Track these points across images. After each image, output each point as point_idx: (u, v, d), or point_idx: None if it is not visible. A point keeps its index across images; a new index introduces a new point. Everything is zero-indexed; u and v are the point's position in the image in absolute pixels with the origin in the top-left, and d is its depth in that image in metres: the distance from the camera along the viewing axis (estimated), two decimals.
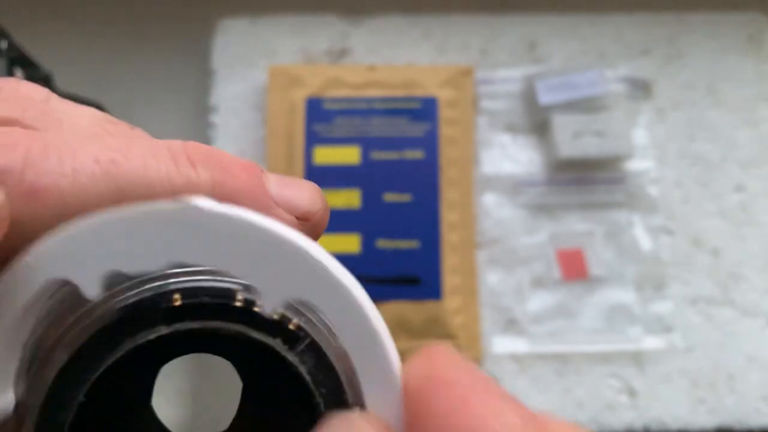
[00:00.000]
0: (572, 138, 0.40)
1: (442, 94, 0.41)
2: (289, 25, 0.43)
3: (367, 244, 0.38)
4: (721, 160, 0.41)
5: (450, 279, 0.38)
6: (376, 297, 0.38)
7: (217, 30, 0.42)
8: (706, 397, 0.37)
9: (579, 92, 0.40)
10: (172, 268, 0.12)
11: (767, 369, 0.38)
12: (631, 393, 0.38)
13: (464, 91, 0.41)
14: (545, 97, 0.40)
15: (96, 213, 0.12)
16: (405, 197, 0.39)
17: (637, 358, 0.38)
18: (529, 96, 0.41)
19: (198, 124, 0.42)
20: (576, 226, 0.40)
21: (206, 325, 0.12)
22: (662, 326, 0.39)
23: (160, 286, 0.12)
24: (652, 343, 0.38)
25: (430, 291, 0.38)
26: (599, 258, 0.39)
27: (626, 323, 0.39)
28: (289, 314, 0.12)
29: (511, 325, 0.39)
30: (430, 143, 0.40)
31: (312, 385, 0.12)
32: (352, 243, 0.38)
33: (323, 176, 0.39)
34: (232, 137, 0.41)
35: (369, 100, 0.40)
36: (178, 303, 0.12)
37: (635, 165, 0.41)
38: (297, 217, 0.16)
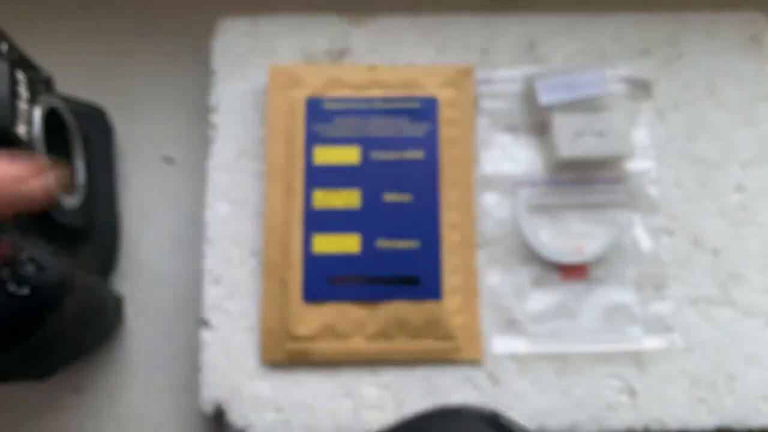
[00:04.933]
0: (572, 138, 0.40)
1: (442, 94, 0.41)
2: (289, 25, 0.43)
3: (367, 244, 0.38)
4: (721, 160, 0.41)
5: (450, 279, 0.38)
6: (376, 297, 0.38)
7: (217, 30, 0.42)
8: (706, 397, 0.37)
9: (579, 92, 0.40)
10: None
11: (767, 369, 0.38)
12: (631, 393, 0.38)
13: (464, 91, 0.41)
14: (545, 97, 0.40)
15: None
16: (405, 197, 0.39)
17: (637, 358, 0.38)
18: (529, 96, 0.41)
19: (198, 124, 0.42)
20: (576, 226, 0.40)
21: None
22: (662, 326, 0.39)
23: None
24: (652, 343, 0.38)
25: (430, 291, 0.38)
26: (599, 258, 0.39)
27: (626, 323, 0.39)
28: None
29: (511, 325, 0.39)
30: (430, 143, 0.40)
31: None
32: (352, 243, 0.38)
33: (323, 176, 0.39)
34: (232, 137, 0.41)
35: (369, 100, 0.40)
36: None
37: (635, 165, 0.41)
38: None
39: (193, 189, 0.41)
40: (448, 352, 0.38)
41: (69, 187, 0.37)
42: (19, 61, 0.33)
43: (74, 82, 0.41)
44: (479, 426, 0.24)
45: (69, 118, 0.38)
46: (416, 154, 0.40)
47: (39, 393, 0.40)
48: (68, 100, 0.39)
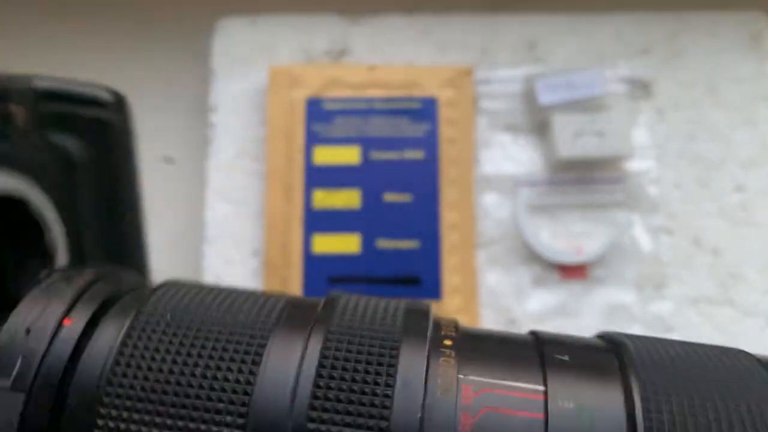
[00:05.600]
0: (572, 138, 0.40)
1: (442, 94, 0.41)
2: (289, 25, 0.43)
3: (367, 244, 0.38)
4: (721, 160, 0.41)
5: (450, 279, 0.38)
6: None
7: (217, 30, 0.42)
8: None
9: (579, 92, 0.40)
10: None
11: None
12: None
13: (464, 91, 0.41)
14: (545, 97, 0.40)
15: None
16: (405, 197, 0.39)
17: None
18: (529, 96, 0.41)
19: (198, 124, 0.42)
20: (576, 226, 0.40)
21: None
22: (662, 326, 0.39)
23: None
24: None
25: (430, 291, 0.38)
26: (599, 258, 0.39)
27: (626, 323, 0.39)
28: None
29: (511, 325, 0.39)
30: (430, 143, 0.40)
31: None
32: (352, 243, 0.38)
33: (323, 176, 0.39)
34: (232, 137, 0.41)
35: (369, 100, 0.40)
36: None
37: (635, 165, 0.41)
38: None
39: (193, 189, 0.41)
40: None
41: None
42: None
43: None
44: (755, 366, 0.22)
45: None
46: (416, 154, 0.40)
47: None
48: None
